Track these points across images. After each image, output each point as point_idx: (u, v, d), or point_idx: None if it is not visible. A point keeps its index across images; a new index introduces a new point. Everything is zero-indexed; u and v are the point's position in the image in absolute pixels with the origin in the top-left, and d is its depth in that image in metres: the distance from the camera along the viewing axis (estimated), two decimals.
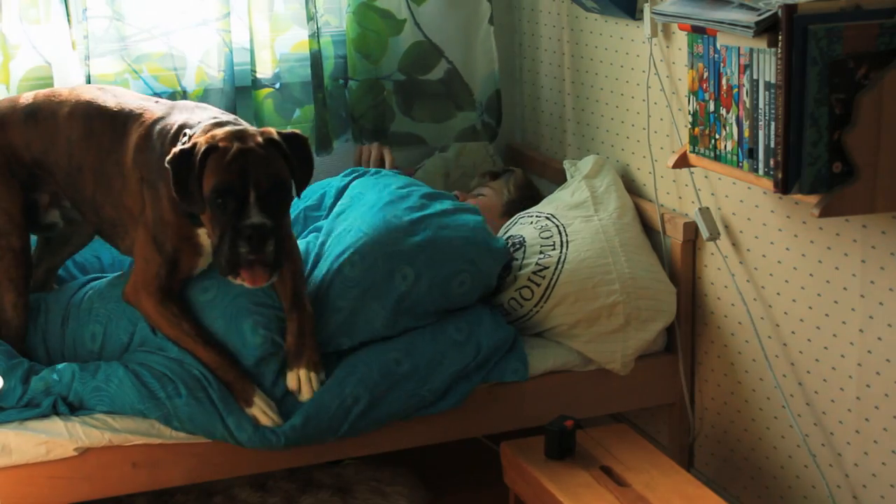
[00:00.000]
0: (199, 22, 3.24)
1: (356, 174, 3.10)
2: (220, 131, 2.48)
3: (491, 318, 2.79)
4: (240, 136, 2.48)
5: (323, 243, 2.82)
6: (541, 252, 2.89)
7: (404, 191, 2.89)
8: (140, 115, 2.66)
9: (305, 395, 2.60)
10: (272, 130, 2.53)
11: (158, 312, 2.61)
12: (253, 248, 2.44)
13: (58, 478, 2.52)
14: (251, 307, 2.62)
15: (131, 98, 2.75)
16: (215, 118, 2.58)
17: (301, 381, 2.60)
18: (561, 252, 2.87)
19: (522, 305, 2.85)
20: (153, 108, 2.68)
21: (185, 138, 2.51)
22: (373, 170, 3.12)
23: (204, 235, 2.58)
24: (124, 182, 2.66)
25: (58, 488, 2.53)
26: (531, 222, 3.00)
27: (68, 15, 3.05)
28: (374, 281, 2.68)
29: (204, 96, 3.26)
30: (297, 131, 2.57)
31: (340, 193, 3.04)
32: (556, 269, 2.84)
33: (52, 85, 3.09)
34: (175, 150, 2.48)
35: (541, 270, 2.85)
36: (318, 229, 2.96)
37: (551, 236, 2.92)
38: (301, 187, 2.56)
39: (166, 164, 2.48)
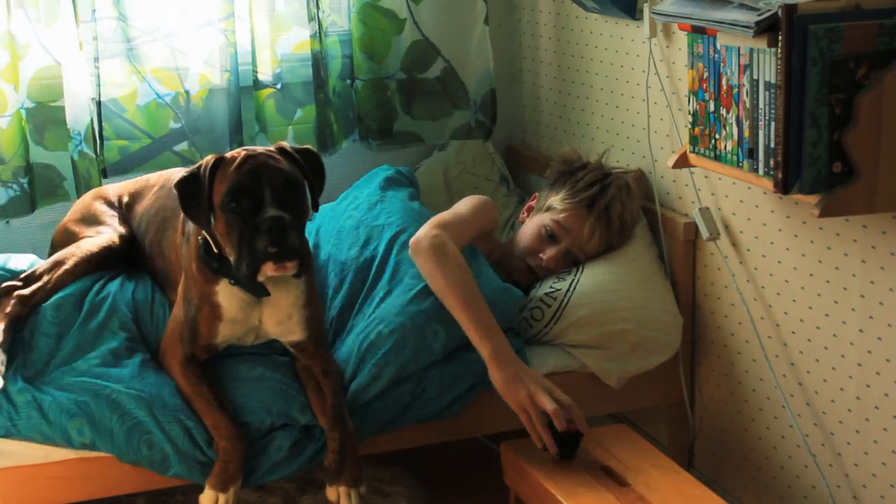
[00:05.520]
0: (203, 23, 3.23)
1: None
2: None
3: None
4: (247, 149, 2.47)
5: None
6: (555, 276, 2.88)
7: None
8: None
9: None
10: (282, 143, 2.53)
11: (181, 372, 2.55)
12: (273, 241, 2.35)
13: (58, 478, 2.52)
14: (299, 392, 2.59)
15: None
16: None
17: (340, 496, 2.53)
18: (574, 276, 2.86)
19: (532, 326, 2.83)
20: None
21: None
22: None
23: (223, 294, 2.51)
24: (173, 234, 2.70)
25: (58, 488, 2.53)
26: None
27: (76, 15, 3.05)
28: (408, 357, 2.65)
29: (208, 97, 3.26)
30: (309, 146, 2.55)
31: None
32: (567, 291, 2.82)
33: (61, 86, 3.09)
34: (181, 174, 2.47)
35: (552, 293, 2.83)
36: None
37: None
38: (315, 199, 2.51)
39: (173, 189, 2.47)
